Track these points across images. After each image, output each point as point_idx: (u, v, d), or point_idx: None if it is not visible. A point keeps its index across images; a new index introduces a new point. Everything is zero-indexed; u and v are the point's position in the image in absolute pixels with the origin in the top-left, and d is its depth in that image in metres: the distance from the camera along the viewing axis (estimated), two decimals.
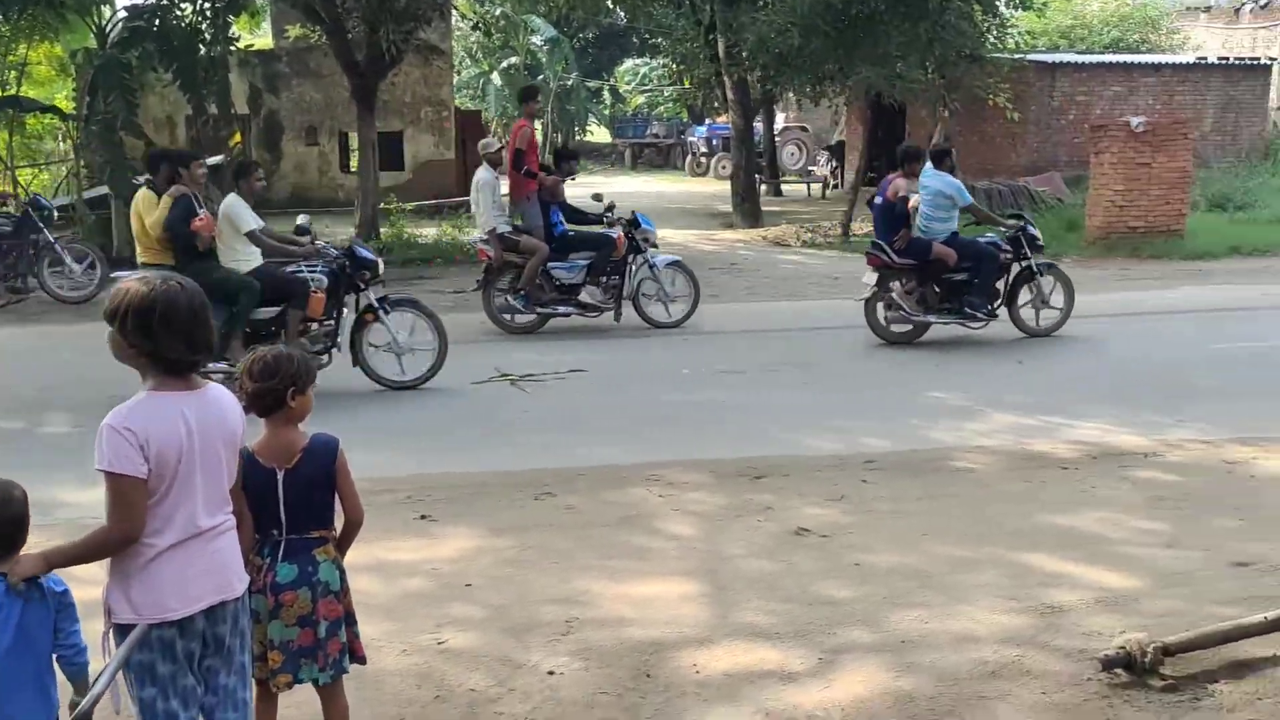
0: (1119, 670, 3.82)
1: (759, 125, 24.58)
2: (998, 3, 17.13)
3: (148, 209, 8.00)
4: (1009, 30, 18.91)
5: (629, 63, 42.88)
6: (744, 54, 17.46)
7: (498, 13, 29.48)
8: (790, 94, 23.99)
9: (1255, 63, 22.07)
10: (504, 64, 38.08)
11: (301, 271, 8.33)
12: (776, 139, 29.01)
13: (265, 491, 3.05)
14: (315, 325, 8.36)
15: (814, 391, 8.43)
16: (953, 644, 4.12)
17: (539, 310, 10.56)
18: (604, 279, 10.63)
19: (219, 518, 2.71)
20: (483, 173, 10.58)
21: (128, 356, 2.61)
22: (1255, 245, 15.47)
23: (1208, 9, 30.85)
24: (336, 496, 3.17)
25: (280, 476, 3.07)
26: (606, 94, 43.35)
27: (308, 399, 3.13)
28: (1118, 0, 24.91)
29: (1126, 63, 21.18)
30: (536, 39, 36.92)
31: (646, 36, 28.69)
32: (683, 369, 9.16)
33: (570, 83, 39.69)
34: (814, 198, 26.29)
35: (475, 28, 28.47)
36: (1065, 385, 8.53)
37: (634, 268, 10.71)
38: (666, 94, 37.34)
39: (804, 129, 32.02)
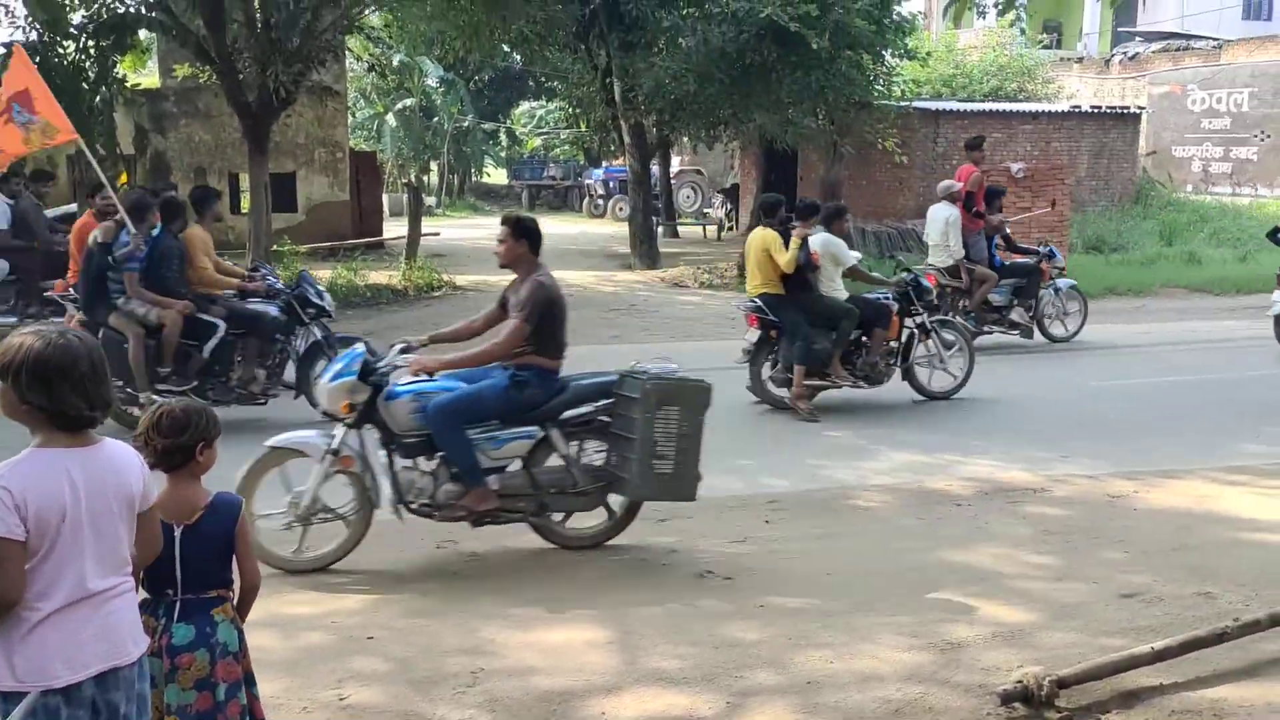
0: (1017, 704, 3.92)
1: (655, 168, 24.89)
2: (885, 53, 17.71)
3: (776, 248, 8.88)
4: (895, 79, 19.56)
5: (525, 105, 43.01)
6: (640, 99, 17.69)
7: (395, 61, 29.32)
8: (686, 138, 24.36)
9: (1125, 111, 23.17)
10: (399, 105, 37.87)
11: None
12: (673, 181, 29.41)
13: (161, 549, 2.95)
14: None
15: (714, 431, 8.47)
16: (857, 683, 4.18)
17: (981, 330, 11.48)
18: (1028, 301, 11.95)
19: (113, 580, 2.61)
20: (946, 209, 11.58)
21: (19, 413, 2.51)
22: (1130, 285, 16.19)
23: (1080, 60, 32.34)
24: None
25: (178, 534, 2.98)
26: (503, 136, 43.39)
27: (214, 452, 3.06)
28: (996, 51, 25.91)
29: (1006, 110, 22.03)
30: (431, 81, 36.83)
31: (543, 79, 28.86)
32: None
33: (466, 124, 39.65)
34: (710, 239, 26.64)
35: (371, 70, 28.28)
36: (958, 423, 8.78)
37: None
38: (563, 136, 37.55)
39: (699, 172, 32.52)
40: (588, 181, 36.25)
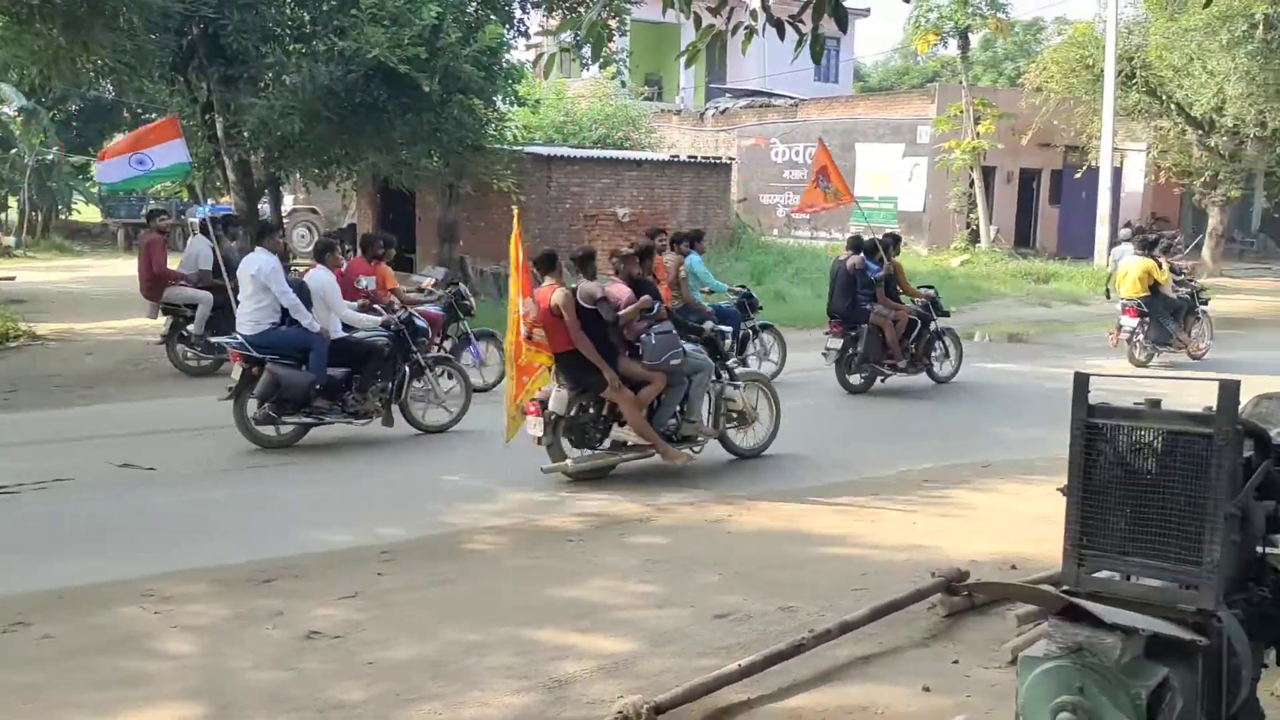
0: None
1: (265, 206, 23.81)
2: (496, 98, 18.05)
3: None
4: (508, 124, 19.97)
5: (119, 137, 39.80)
6: (245, 135, 16.89)
7: None
8: (297, 175, 23.54)
9: (718, 161, 25.09)
10: None
11: None
12: (285, 220, 28.29)
13: None
14: None
15: (329, 483, 8.22)
16: None
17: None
18: None
19: None
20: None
21: None
22: None
23: (678, 112, 34.71)
24: None
25: None
26: (94, 170, 39.87)
27: None
28: (602, 101, 27.22)
29: (613, 158, 23.16)
30: (9, 109, 33.21)
31: (139, 111, 26.80)
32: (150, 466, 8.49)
33: (51, 157, 36.04)
34: None
35: None
36: None
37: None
38: None
39: (314, 211, 31.52)
40: (191, 220, 34.08)
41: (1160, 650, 2.77)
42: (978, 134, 26.35)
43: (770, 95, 33.67)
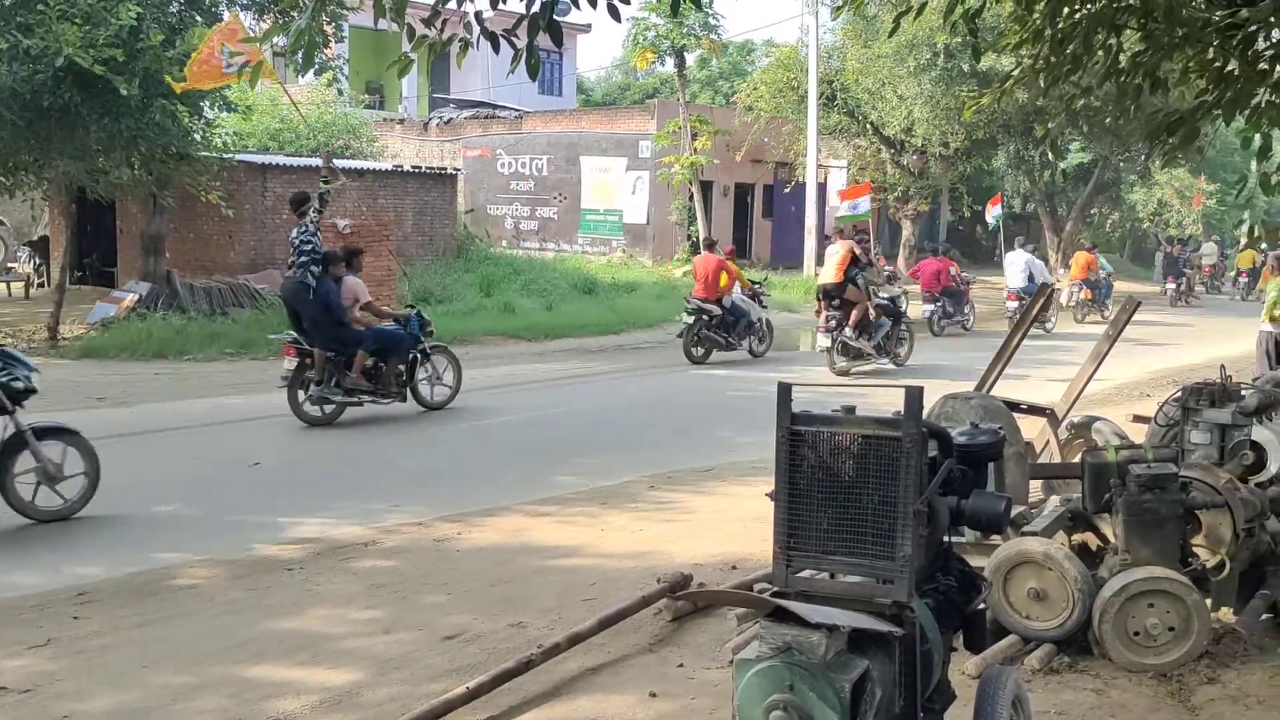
0: None
1: None
2: (203, 104, 17.06)
3: None
4: (217, 130, 18.93)
5: None
6: None
7: None
8: None
9: (444, 172, 24.80)
10: None
11: None
12: None
13: None
14: None
15: (14, 518, 7.48)
16: None
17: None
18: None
19: None
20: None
21: None
22: (455, 335, 17.22)
23: (401, 121, 34.08)
24: None
25: None
26: None
27: None
28: (321, 108, 26.32)
29: (333, 167, 22.43)
30: None
31: None
32: None
33: None
34: (16, 298, 23.63)
35: None
36: (295, 483, 8.66)
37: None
38: None
39: (1, 223, 28.76)
40: None
41: (862, 644, 2.93)
42: (695, 150, 27.36)
43: (495, 107, 33.69)
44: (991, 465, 3.52)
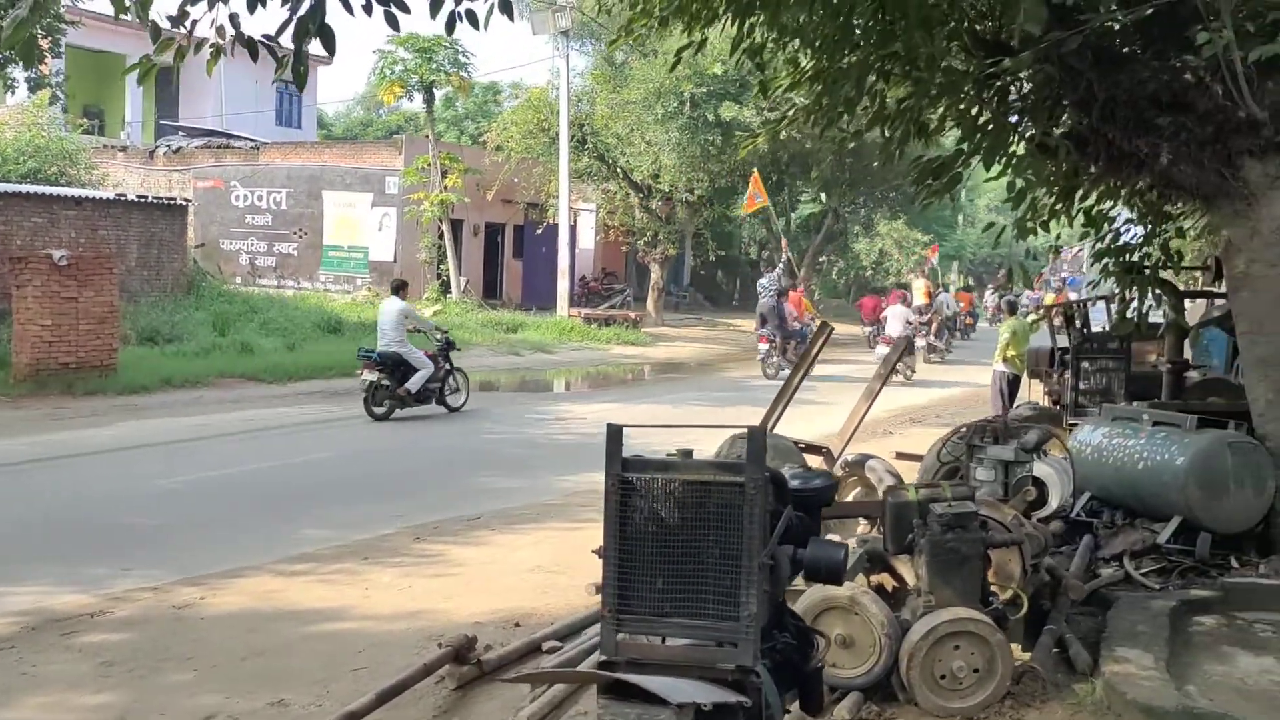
0: None
1: None
2: None
3: None
4: None
5: None
6: None
7: None
8: None
9: (172, 202, 23.08)
10: None
11: None
12: None
13: None
14: None
15: None
16: None
17: None
18: None
19: None
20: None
21: None
22: (186, 376, 15.95)
23: (124, 148, 31.68)
24: None
25: None
26: None
27: None
28: (33, 131, 24.06)
29: (46, 194, 20.41)
30: None
31: None
32: None
33: None
34: None
35: None
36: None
37: None
38: None
39: None
40: None
41: (708, 714, 2.63)
42: (445, 187, 26.81)
43: (230, 136, 31.90)
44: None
